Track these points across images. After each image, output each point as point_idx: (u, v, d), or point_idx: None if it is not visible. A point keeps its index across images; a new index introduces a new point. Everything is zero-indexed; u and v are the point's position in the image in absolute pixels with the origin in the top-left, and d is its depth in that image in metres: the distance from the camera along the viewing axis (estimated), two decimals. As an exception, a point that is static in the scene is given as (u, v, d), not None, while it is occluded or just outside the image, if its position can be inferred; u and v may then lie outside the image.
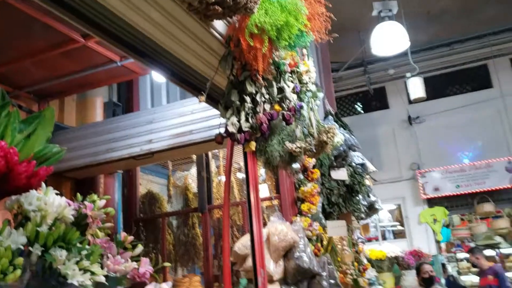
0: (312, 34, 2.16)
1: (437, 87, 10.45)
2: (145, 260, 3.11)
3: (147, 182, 5.96)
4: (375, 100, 11.45)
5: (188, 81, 2.55)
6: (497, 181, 9.68)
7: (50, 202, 2.63)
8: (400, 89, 10.74)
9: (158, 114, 4.07)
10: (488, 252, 10.99)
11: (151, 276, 3.16)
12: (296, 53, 2.45)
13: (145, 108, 5.47)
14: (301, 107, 2.40)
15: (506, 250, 10.97)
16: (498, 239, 10.90)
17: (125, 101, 5.33)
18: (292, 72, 2.47)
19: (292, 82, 2.43)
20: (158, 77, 5.12)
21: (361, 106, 11.76)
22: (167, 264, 3.49)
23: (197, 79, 2.54)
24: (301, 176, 4.14)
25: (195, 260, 5.12)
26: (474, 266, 7.57)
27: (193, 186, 5.51)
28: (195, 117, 3.78)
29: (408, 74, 8.52)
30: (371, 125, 10.86)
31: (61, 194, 2.69)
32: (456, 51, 10.11)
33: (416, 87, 8.33)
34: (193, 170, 5.56)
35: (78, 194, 3.00)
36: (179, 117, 3.89)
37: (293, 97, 2.34)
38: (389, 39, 6.94)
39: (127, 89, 5.38)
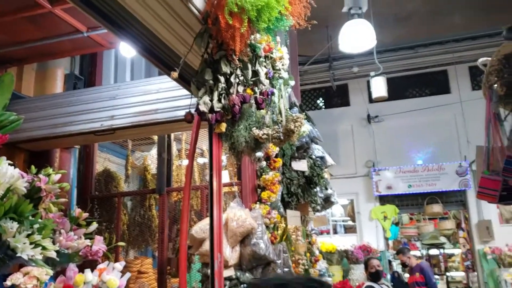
0: (292, 18, 2.14)
1: (397, 89, 10.68)
2: (98, 238, 3.03)
3: (104, 161, 5.81)
4: (337, 97, 11.60)
5: (159, 57, 2.47)
6: (447, 184, 10.04)
7: (2, 172, 2.51)
8: (362, 87, 10.94)
9: (122, 90, 3.95)
10: (433, 251, 11.46)
11: (103, 255, 3.09)
12: (271, 38, 2.42)
13: (108, 83, 5.30)
14: (273, 93, 2.37)
15: (449, 250, 11.47)
16: (443, 239, 11.37)
17: (88, 74, 5.14)
18: (266, 57, 2.45)
19: (265, 67, 2.41)
20: (124, 52, 4.96)
21: (323, 101, 11.90)
22: (121, 243, 3.43)
23: (169, 56, 2.47)
24: (263, 164, 4.15)
25: (149, 242, 5.05)
26: (404, 265, 7.83)
27: (152, 167, 5.42)
28: (161, 96, 3.69)
29: (372, 73, 8.66)
30: (332, 121, 11.01)
31: (14, 165, 2.57)
32: (419, 54, 10.35)
33: (378, 86, 8.49)
34: (153, 151, 5.46)
35: (33, 167, 2.88)
36: (144, 94, 3.79)
37: (266, 82, 2.31)
38: (357, 36, 7.00)
39: (90, 62, 5.19)
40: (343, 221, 11.00)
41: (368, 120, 10.95)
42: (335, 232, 10.79)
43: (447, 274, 11.07)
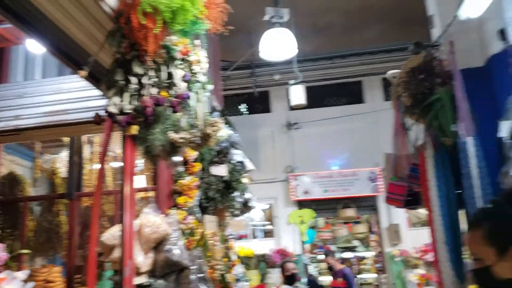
0: (208, 22, 2.13)
1: (316, 97, 10.99)
2: (0, 246, 2.83)
3: (9, 163, 5.44)
4: (259, 103, 11.76)
5: (69, 55, 2.35)
6: (360, 189, 10.51)
7: None
8: (282, 95, 11.18)
9: (30, 88, 3.72)
10: (346, 255, 11.90)
11: (5, 264, 2.89)
12: (189, 41, 2.39)
13: (15, 81, 4.96)
14: (189, 96, 2.34)
15: (362, 253, 11.96)
16: (355, 242, 11.85)
17: (-7, 71, 4.78)
18: (183, 60, 2.41)
19: (182, 70, 2.37)
20: (33, 48, 4.67)
21: (245, 107, 12.01)
22: (25, 251, 3.22)
23: (79, 54, 2.36)
24: (180, 168, 4.08)
25: (57, 249, 4.78)
26: (330, 268, 8.06)
27: (62, 170, 5.15)
28: (73, 96, 3.52)
29: (291, 81, 8.87)
30: (253, 126, 11.12)
31: None
32: (337, 65, 10.75)
33: (298, 94, 8.70)
34: (63, 154, 5.19)
35: None
36: (54, 94, 3.59)
37: (182, 85, 2.27)
38: (278, 45, 7.12)
39: (-4, 58, 4.84)
40: (262, 225, 11.13)
41: (288, 127, 11.20)
42: (255, 236, 10.89)
43: (360, 276, 11.49)
